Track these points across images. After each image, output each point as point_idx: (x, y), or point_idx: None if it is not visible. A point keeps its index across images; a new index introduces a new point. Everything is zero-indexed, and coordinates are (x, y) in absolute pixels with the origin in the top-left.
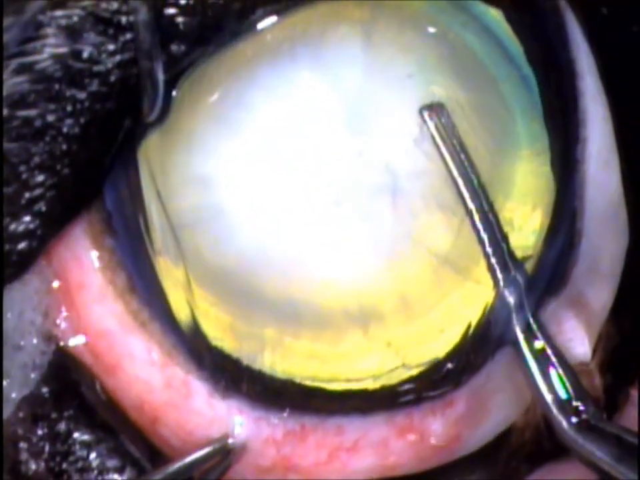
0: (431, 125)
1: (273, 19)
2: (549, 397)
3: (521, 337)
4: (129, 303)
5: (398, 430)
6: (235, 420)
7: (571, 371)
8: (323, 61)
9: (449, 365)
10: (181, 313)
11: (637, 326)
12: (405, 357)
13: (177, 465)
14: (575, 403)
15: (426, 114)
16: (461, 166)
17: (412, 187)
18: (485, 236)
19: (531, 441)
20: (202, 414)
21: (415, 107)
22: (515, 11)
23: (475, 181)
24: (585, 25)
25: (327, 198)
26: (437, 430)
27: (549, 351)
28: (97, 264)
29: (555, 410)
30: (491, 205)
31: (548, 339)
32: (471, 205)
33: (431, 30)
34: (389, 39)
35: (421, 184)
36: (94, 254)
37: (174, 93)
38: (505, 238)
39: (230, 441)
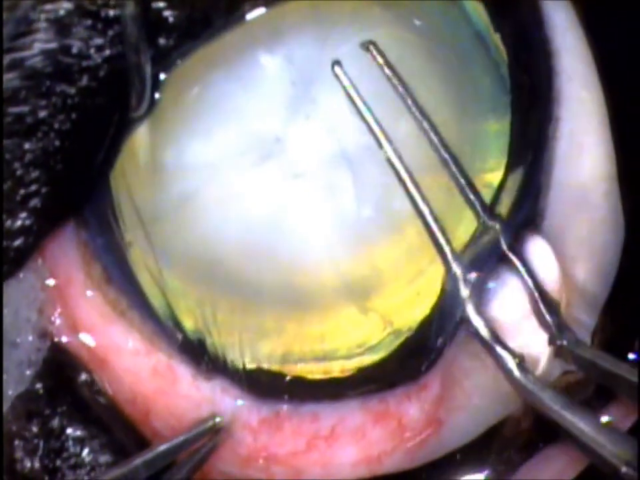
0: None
1: (261, 10)
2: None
3: (471, 313)
4: (107, 294)
5: (374, 416)
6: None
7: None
8: (276, 34)
9: (422, 339)
10: (156, 301)
11: (631, 317)
12: (394, 324)
13: (165, 445)
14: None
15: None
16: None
17: (366, 156)
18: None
19: (527, 430)
20: (189, 397)
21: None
22: None
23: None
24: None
25: (288, 170)
26: (414, 415)
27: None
28: (77, 256)
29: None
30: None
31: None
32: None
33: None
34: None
35: (375, 153)
36: (76, 247)
37: (158, 91)
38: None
39: (217, 419)
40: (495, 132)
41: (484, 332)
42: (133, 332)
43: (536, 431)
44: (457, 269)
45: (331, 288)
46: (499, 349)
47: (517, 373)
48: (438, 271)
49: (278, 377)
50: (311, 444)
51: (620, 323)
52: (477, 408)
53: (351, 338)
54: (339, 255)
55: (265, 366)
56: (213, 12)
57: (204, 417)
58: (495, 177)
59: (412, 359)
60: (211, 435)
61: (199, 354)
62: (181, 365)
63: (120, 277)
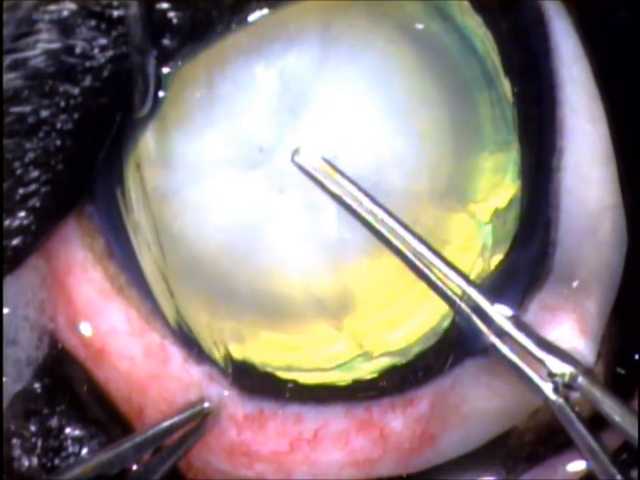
0: (309, 167)
1: (264, 12)
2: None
3: (497, 342)
4: (107, 269)
5: (357, 424)
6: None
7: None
8: (275, 42)
9: (410, 361)
10: (154, 279)
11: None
12: (363, 346)
13: (153, 429)
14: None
15: (297, 158)
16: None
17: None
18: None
19: (531, 442)
20: (180, 379)
21: (366, 99)
22: (498, 19)
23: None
24: (581, 33)
25: (273, 182)
26: (397, 427)
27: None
28: (77, 232)
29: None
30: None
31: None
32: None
33: (416, 27)
34: (346, 31)
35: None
36: (79, 224)
37: (162, 90)
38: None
39: (206, 404)
40: (495, 165)
41: (516, 360)
42: (130, 310)
43: (540, 443)
44: (462, 303)
45: (303, 301)
46: (535, 378)
47: (567, 409)
48: (417, 298)
49: (266, 375)
50: (294, 445)
51: (626, 331)
52: (475, 427)
53: (320, 353)
54: (313, 271)
55: (252, 364)
56: (217, 14)
57: (192, 401)
58: (502, 209)
59: (402, 380)
60: (198, 420)
61: (190, 338)
62: (173, 347)
63: (121, 253)
